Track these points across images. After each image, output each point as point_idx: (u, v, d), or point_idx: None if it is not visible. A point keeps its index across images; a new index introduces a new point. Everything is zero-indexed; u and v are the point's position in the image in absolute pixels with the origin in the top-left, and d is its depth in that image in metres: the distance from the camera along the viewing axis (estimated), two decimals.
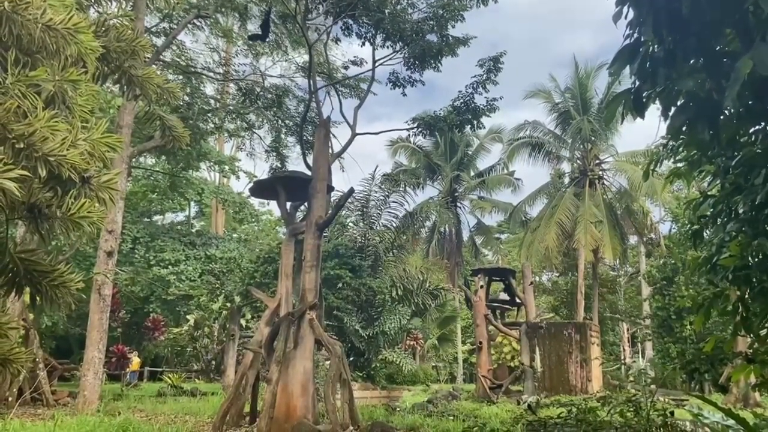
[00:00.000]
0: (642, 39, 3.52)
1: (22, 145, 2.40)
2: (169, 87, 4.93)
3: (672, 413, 6.25)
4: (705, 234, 6.66)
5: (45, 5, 2.57)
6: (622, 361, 39.81)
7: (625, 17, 3.69)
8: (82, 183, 2.85)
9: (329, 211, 12.63)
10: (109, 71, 4.53)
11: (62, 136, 2.51)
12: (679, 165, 6.83)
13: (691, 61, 3.43)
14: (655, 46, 3.50)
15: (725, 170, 5.92)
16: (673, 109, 3.60)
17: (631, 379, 31.48)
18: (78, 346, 29.74)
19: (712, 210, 6.49)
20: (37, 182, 2.70)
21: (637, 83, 3.76)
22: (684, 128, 3.77)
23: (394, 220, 24.03)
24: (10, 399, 14.06)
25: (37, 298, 2.97)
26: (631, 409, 6.26)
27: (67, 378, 22.99)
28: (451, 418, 13.37)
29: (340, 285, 19.69)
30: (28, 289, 3.30)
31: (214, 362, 30.81)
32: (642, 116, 3.57)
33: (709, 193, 6.62)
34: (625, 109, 3.65)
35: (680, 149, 6.41)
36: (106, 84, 5.34)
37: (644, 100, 3.62)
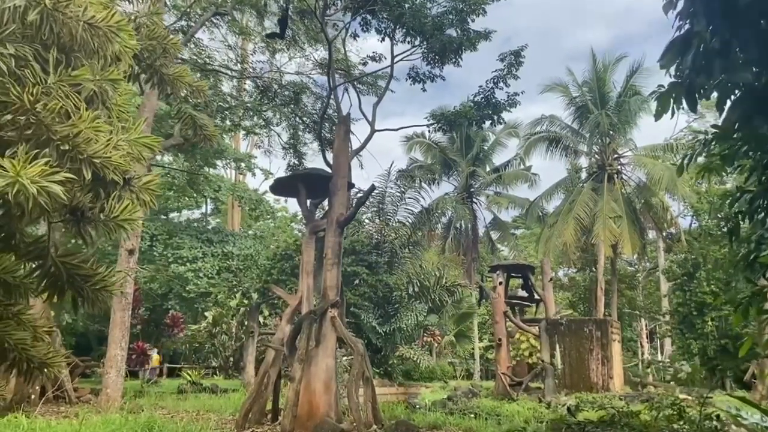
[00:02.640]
0: (694, 30, 3.38)
1: (66, 147, 2.34)
2: (198, 85, 4.86)
3: (719, 416, 6.06)
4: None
5: (86, 2, 2.50)
6: (641, 358, 39.47)
7: (674, 8, 3.55)
8: (124, 185, 2.78)
9: (350, 208, 12.55)
10: (141, 70, 4.47)
11: (106, 138, 2.44)
12: (710, 159, 6.66)
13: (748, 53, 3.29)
14: (709, 37, 3.35)
15: (765, 165, 5.75)
16: (728, 102, 3.46)
17: (651, 375, 31.20)
18: (97, 343, 29.97)
19: (748, 206, 6.32)
20: (80, 185, 2.64)
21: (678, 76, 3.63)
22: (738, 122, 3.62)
23: (410, 216, 23.92)
24: (33, 397, 14.14)
25: (79, 302, 2.93)
26: (677, 413, 6.09)
27: (88, 375, 23.16)
28: (473, 416, 13.25)
29: (356, 282, 19.64)
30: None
31: (232, 359, 30.92)
32: (694, 110, 3.44)
33: (746, 188, 6.45)
34: (676, 104, 3.51)
35: (713, 143, 6.25)
36: (135, 85, 5.29)
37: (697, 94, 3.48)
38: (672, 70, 3.95)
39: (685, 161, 6.96)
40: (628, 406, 7.09)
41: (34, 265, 2.70)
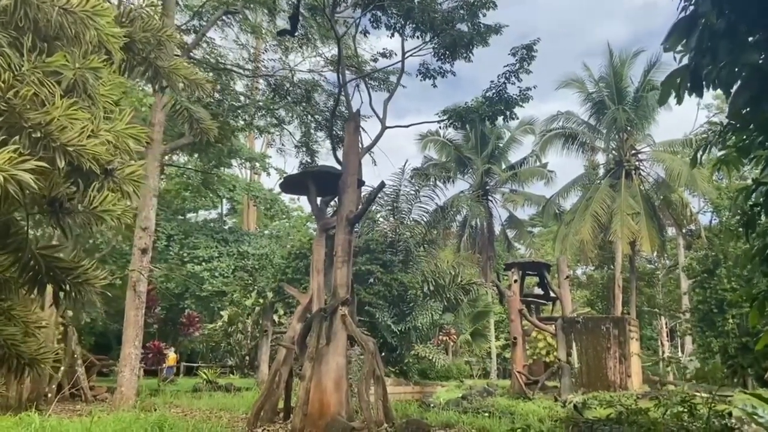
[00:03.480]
0: (699, 11, 3.23)
1: (39, 135, 2.27)
2: (196, 79, 4.79)
3: (730, 414, 5.88)
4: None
5: None
6: (661, 356, 38.93)
7: None
8: (105, 175, 2.71)
9: (360, 206, 12.47)
10: (136, 62, 4.41)
11: (81, 125, 2.37)
12: (726, 151, 6.47)
13: (756, 35, 3.13)
14: (715, 18, 3.20)
15: None
16: (735, 86, 3.30)
17: (671, 373, 30.77)
18: (116, 342, 30.21)
19: (764, 198, 6.13)
20: (58, 175, 2.57)
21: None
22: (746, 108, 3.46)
23: (424, 214, 23.79)
24: (49, 395, 14.27)
25: (61, 296, 2.86)
26: (686, 410, 5.90)
27: (106, 373, 23.37)
28: (487, 414, 13.11)
29: (371, 280, 19.56)
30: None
31: (247, 358, 31.04)
32: (700, 95, 3.29)
33: (762, 179, 6.25)
34: (681, 89, 3.36)
35: (729, 134, 6.07)
36: (135, 79, 5.25)
37: (703, 77, 3.33)
38: (680, 56, 3.80)
39: (699, 153, 6.77)
40: (637, 404, 6.91)
41: (12, 259, 2.64)
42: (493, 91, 14.27)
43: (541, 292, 26.67)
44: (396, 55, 15.42)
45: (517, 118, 15.28)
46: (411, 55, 14.59)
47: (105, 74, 3.01)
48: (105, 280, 2.91)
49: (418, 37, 14.28)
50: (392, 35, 14.33)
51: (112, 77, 3.25)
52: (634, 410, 6.35)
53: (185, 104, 4.44)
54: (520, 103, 14.36)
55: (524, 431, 6.38)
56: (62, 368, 15.35)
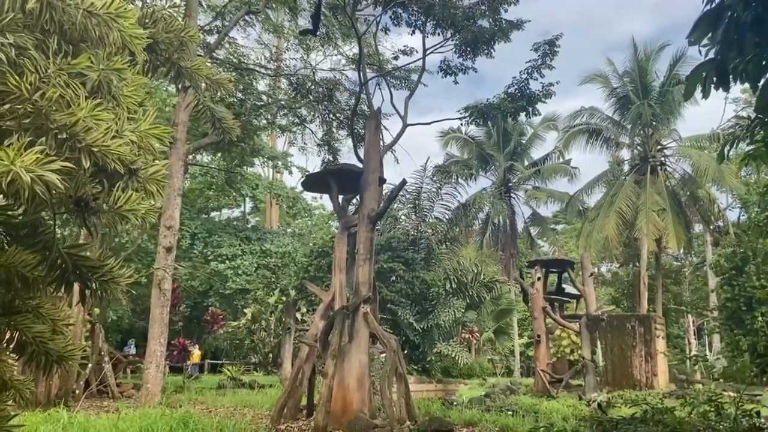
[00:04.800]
0: (725, 3, 3.16)
1: (64, 136, 2.31)
2: (219, 79, 4.83)
3: (758, 413, 5.74)
4: None
5: None
6: (688, 355, 38.30)
7: None
8: (129, 175, 2.75)
9: (382, 204, 12.48)
10: (159, 63, 4.46)
11: (106, 126, 2.41)
12: (755, 146, 6.34)
13: None
14: (741, 10, 3.14)
15: None
16: (762, 80, 3.23)
17: (699, 372, 30.27)
18: (143, 339, 30.74)
19: None
20: (83, 176, 2.62)
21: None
22: None
23: (446, 212, 23.77)
24: (77, 391, 14.54)
25: (87, 294, 2.91)
26: (713, 410, 5.77)
27: (133, 371, 23.74)
28: (510, 413, 13.04)
29: (393, 278, 19.57)
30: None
31: (271, 355, 31.28)
32: (726, 89, 3.22)
33: None
34: (707, 83, 3.30)
35: (757, 128, 5.94)
36: (159, 79, 5.33)
37: (729, 71, 3.26)
38: (706, 50, 3.73)
39: (726, 148, 6.65)
40: (663, 403, 6.78)
41: (39, 258, 2.69)
42: (515, 87, 14.17)
43: (565, 290, 26.44)
44: (417, 52, 15.41)
45: (540, 114, 15.16)
46: (432, 52, 14.55)
47: (129, 75, 3.05)
48: (130, 279, 2.95)
49: (438, 34, 14.24)
50: (413, 32, 14.34)
51: (135, 78, 3.28)
52: (660, 409, 6.23)
53: (207, 104, 4.48)
54: (543, 99, 14.24)
55: (547, 430, 6.30)
56: (89, 365, 15.63)
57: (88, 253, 2.87)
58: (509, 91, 14.21)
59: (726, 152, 6.71)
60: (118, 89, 2.92)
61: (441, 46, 14.53)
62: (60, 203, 2.60)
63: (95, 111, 2.43)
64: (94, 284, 2.86)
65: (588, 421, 8.26)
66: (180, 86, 4.51)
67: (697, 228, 37.97)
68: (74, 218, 2.65)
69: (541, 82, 14.17)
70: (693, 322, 41.47)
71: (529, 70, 13.98)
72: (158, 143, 3.19)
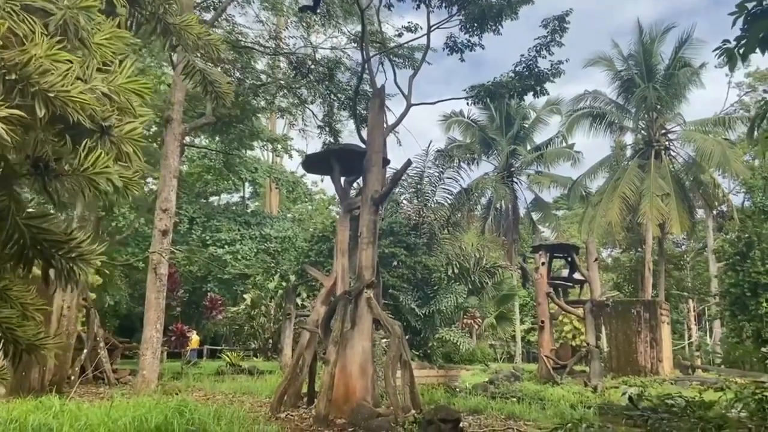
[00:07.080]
0: None
1: (14, 77, 1.89)
2: (211, 39, 4.37)
3: None
4: None
5: None
6: (688, 341, 38.12)
7: None
8: (101, 133, 2.32)
9: (385, 185, 12.03)
10: (144, 19, 4.00)
11: (66, 68, 1.97)
12: None
13: None
14: None
15: None
16: None
17: (699, 358, 30.04)
18: (140, 325, 30.38)
19: None
20: (43, 132, 2.18)
21: None
22: None
23: (448, 196, 23.35)
24: (72, 378, 14.18)
25: (51, 274, 2.49)
26: (760, 407, 5.34)
27: (130, 356, 23.41)
28: (515, 400, 12.71)
29: (395, 263, 19.21)
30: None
31: (270, 341, 30.98)
32: None
33: None
34: (747, 50, 2.86)
35: None
36: (147, 39, 4.83)
37: None
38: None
39: (756, 122, 6.25)
40: (680, 392, 6.41)
41: None
42: (524, 65, 13.67)
43: (569, 275, 26.08)
44: (421, 29, 14.89)
45: (548, 94, 14.67)
46: (437, 28, 14.04)
47: (102, 19, 2.59)
48: (102, 257, 2.52)
49: (444, 8, 13.70)
50: (418, 6, 13.78)
51: (112, 28, 2.82)
52: (698, 403, 5.81)
53: (197, 65, 4.05)
54: (551, 78, 13.76)
55: (575, 425, 5.88)
56: (85, 351, 15.28)
57: (51, 226, 2.43)
58: (517, 69, 13.71)
59: (755, 127, 6.33)
60: (88, 33, 2.46)
61: (447, 22, 14.01)
62: (14, 164, 2.17)
63: (53, 51, 1.98)
64: (59, 263, 2.43)
65: (599, 409, 7.85)
66: (167, 45, 4.06)
67: (701, 213, 37.61)
68: (31, 182, 2.22)
69: (549, 61, 13.69)
70: (694, 307, 41.23)
71: (538, 48, 13.48)
72: (139, 101, 2.74)
